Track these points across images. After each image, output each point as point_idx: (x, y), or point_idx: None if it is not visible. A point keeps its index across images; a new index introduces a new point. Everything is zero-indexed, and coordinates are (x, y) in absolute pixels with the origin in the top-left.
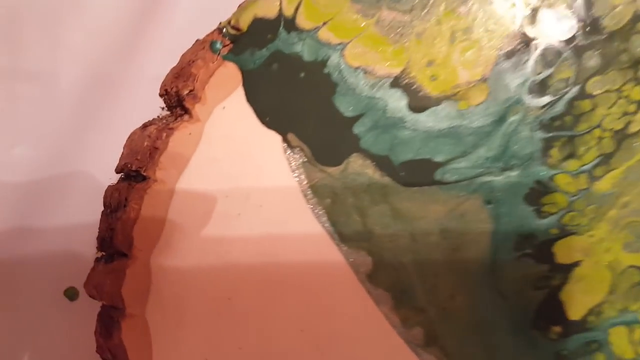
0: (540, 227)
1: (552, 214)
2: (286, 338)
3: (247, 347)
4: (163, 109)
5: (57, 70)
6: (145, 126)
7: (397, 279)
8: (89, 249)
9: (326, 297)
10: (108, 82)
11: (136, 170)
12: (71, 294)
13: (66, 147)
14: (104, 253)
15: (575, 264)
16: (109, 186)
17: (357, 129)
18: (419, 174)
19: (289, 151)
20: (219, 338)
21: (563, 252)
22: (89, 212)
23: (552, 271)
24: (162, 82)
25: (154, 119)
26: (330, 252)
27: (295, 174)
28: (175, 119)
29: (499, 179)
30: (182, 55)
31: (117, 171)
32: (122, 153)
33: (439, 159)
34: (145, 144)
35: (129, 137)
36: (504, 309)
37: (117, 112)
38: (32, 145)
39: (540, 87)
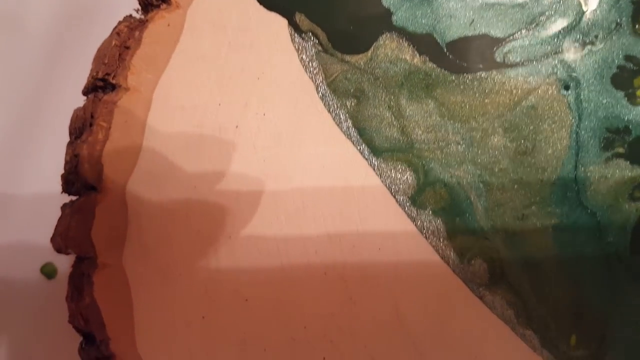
0: (635, 117)
1: None
2: (307, 281)
3: (257, 299)
4: (137, 11)
5: (20, 11)
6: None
7: (449, 198)
8: None
9: (355, 227)
10: (85, 17)
11: (104, 79)
12: (49, 270)
13: (40, 102)
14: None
15: None
16: (75, 109)
17: (387, 0)
18: (473, 55)
19: (298, 39)
20: (219, 288)
21: None
22: None
23: None
24: None
25: (125, 17)
26: (359, 169)
27: (308, 69)
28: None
29: (578, 57)
30: None
31: (85, 92)
32: (91, 68)
33: (499, 34)
34: (114, 43)
35: (98, 49)
36: (592, 229)
37: None
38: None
39: None
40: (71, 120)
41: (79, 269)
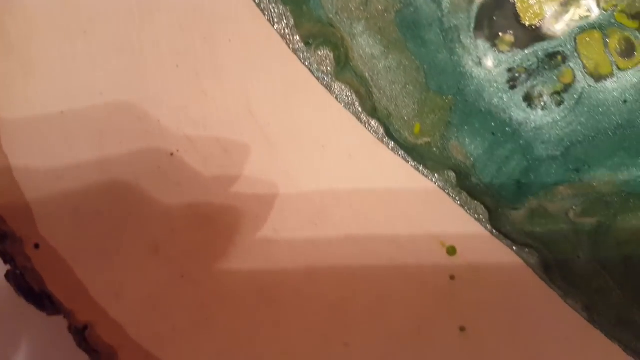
0: None
1: None
2: (159, 73)
3: (110, 92)
4: None
5: None
6: None
7: None
8: None
9: (206, 18)
10: None
11: None
12: None
13: None
14: None
15: None
16: None
17: None
18: None
19: None
20: (77, 82)
21: None
22: None
23: None
24: None
25: None
26: None
27: None
28: None
29: None
30: None
31: None
32: None
33: None
34: None
35: None
36: (433, 12)
37: None
38: None
39: None
40: None
41: None
